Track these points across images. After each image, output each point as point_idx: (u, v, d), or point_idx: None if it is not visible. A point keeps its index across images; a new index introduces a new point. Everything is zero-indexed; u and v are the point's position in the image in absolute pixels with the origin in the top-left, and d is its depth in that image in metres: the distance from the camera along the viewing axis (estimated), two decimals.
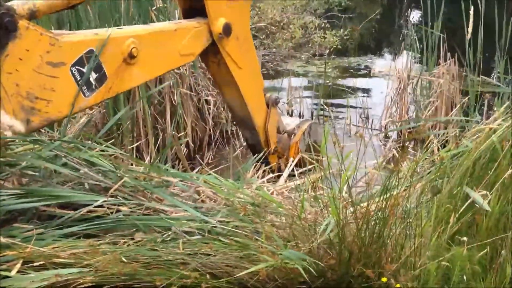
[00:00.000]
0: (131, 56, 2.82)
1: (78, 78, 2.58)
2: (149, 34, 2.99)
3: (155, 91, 4.91)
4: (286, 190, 3.09)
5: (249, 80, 3.78)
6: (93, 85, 2.66)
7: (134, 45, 2.83)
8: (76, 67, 2.56)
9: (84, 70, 2.59)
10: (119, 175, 2.76)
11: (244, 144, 5.02)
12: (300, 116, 6.32)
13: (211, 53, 3.52)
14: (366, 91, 7.18)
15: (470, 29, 4.55)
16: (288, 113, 6.46)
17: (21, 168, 2.84)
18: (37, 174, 2.82)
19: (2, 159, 2.91)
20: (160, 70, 3.23)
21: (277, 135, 4.19)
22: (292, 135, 4.33)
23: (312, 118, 6.15)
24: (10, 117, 2.30)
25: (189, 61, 3.71)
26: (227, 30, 3.40)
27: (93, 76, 2.65)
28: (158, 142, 5.00)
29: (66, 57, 2.52)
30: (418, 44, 6.08)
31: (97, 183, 2.73)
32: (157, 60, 3.04)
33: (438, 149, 3.27)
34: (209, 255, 2.14)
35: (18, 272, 2.13)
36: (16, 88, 2.30)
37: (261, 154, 3.92)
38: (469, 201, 2.18)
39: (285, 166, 4.16)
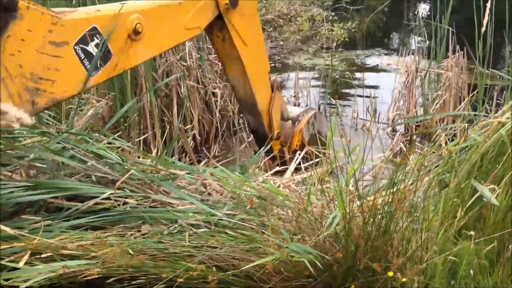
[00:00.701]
0: (136, 32, 2.76)
1: (82, 56, 2.53)
2: (154, 8, 2.93)
3: (162, 84, 4.91)
4: (292, 183, 3.09)
5: (254, 58, 3.70)
6: (98, 63, 2.61)
7: (139, 20, 2.77)
8: (80, 45, 2.50)
9: (88, 48, 2.54)
10: (126, 167, 2.77)
11: (251, 138, 4.99)
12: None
13: (217, 28, 3.47)
14: (373, 84, 7.14)
15: (485, 22, 4.49)
16: (294, 106, 6.44)
17: (29, 160, 2.86)
18: (44, 166, 2.83)
19: (10, 152, 2.93)
20: (166, 45, 3.17)
21: (280, 122, 4.13)
22: (296, 122, 4.25)
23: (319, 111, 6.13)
24: (16, 107, 2.28)
25: (195, 35, 3.63)
26: (234, 0, 3.35)
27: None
28: (165, 134, 5.01)
29: (69, 36, 2.47)
30: (426, 37, 6.03)
31: (104, 175, 2.74)
32: (163, 35, 2.97)
33: (446, 143, 3.25)
34: (215, 248, 2.14)
35: (25, 263, 2.15)
36: (19, 70, 2.26)
37: (266, 144, 3.88)
38: (476, 195, 2.17)
39: (288, 154, 4.15)
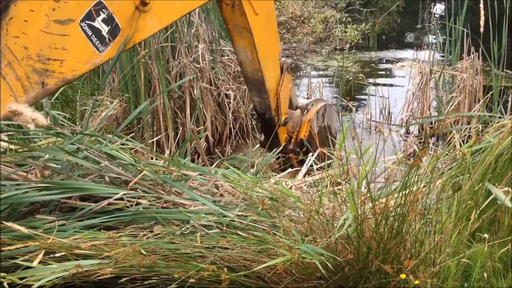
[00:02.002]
0: (143, 3, 2.65)
1: (90, 33, 2.44)
2: None
3: (175, 86, 4.93)
4: (304, 185, 3.08)
5: (264, 30, 3.52)
6: (106, 39, 2.53)
7: None
8: (86, 22, 2.42)
9: (95, 24, 2.45)
10: (139, 168, 2.78)
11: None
12: None
13: None
14: (387, 88, 7.10)
15: (482, 22, 4.45)
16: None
17: (43, 160, 2.89)
18: (59, 167, 2.87)
19: (26, 152, 2.97)
20: (175, 15, 3.02)
21: (289, 110, 3.96)
22: (305, 111, 4.07)
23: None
24: (25, 89, 2.23)
25: (205, 3, 3.45)
26: None
27: (105, 30, 2.51)
28: (178, 136, 5.04)
29: (74, 13, 2.38)
30: (441, 38, 5.98)
31: (118, 176, 2.77)
32: (171, 4, 2.85)
33: (460, 145, 3.22)
34: (227, 248, 2.15)
35: (39, 262, 2.18)
36: (25, 52, 2.20)
37: (271, 129, 3.72)
38: (490, 198, 2.14)
39: (295, 144, 4.02)
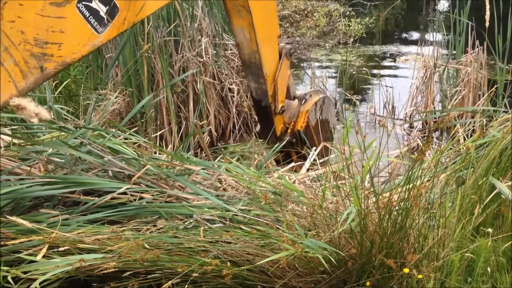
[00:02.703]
0: None
1: (87, 14, 2.38)
2: None
3: (178, 80, 4.92)
4: (307, 179, 3.08)
5: (263, 11, 3.43)
6: (105, 19, 2.47)
7: None
8: (83, 3, 2.36)
9: (92, 4, 2.39)
10: (142, 163, 2.79)
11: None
12: None
13: None
14: (390, 79, 7.07)
15: (487, 17, 4.42)
16: None
17: (47, 155, 2.90)
18: (62, 161, 2.87)
19: (29, 146, 2.98)
20: None
21: (286, 100, 3.85)
22: (303, 101, 3.96)
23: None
24: (24, 75, 2.17)
25: None
26: None
27: (102, 10, 2.45)
28: (181, 130, 5.03)
29: None
30: (445, 32, 5.95)
31: (121, 170, 2.77)
32: None
33: (464, 139, 3.20)
34: (230, 243, 2.15)
35: (43, 256, 2.18)
36: (22, 36, 2.15)
37: (269, 119, 3.60)
38: (494, 192, 2.13)
39: (290, 135, 3.90)
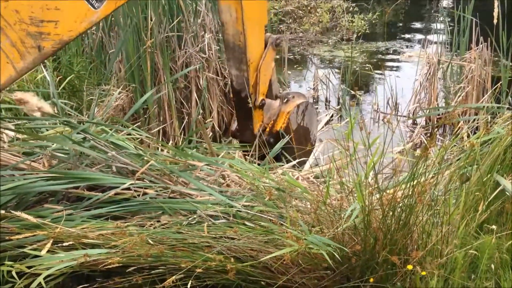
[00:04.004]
0: None
1: None
2: None
3: (179, 75, 4.90)
4: (311, 176, 3.08)
5: None
6: None
7: None
8: None
9: None
10: (146, 158, 2.79)
11: None
12: (326, 102, 6.27)
13: None
14: (394, 76, 7.06)
15: (496, 14, 4.40)
16: (313, 99, 6.41)
17: (51, 150, 2.90)
18: (66, 156, 2.88)
19: (33, 141, 2.98)
20: None
21: (267, 100, 3.64)
22: (285, 100, 3.74)
23: (338, 104, 6.09)
24: (21, 55, 2.12)
25: None
26: None
27: None
28: (183, 125, 5.03)
29: None
30: (449, 28, 5.93)
31: (124, 166, 2.77)
32: None
33: (468, 136, 3.19)
34: (233, 239, 2.15)
35: (48, 251, 2.19)
36: (17, 16, 2.10)
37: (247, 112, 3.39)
38: (499, 189, 2.13)
39: (268, 136, 3.66)
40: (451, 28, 5.83)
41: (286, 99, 3.74)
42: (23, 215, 2.22)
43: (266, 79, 3.60)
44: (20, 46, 2.12)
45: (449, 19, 6.82)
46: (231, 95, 3.76)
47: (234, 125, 3.87)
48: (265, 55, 3.50)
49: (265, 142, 3.57)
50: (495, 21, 4.30)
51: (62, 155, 2.90)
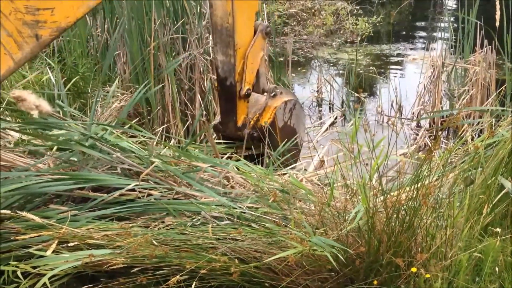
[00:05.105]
0: None
1: None
2: None
3: (174, 65, 4.85)
4: (315, 178, 3.08)
5: None
6: None
7: None
8: None
9: None
10: (150, 159, 2.80)
11: None
12: (330, 105, 6.27)
13: None
14: (398, 78, 7.06)
15: (498, 16, 4.39)
16: (317, 102, 6.42)
17: (56, 151, 2.92)
18: (71, 158, 2.89)
19: (39, 142, 2.99)
20: None
21: (255, 95, 3.49)
22: (273, 94, 3.58)
23: (342, 107, 6.08)
24: (18, 45, 2.08)
25: None
26: None
27: None
28: (186, 126, 5.04)
29: None
30: (453, 31, 5.92)
31: (129, 167, 2.78)
32: None
33: (472, 139, 3.19)
34: (237, 240, 2.16)
35: (53, 252, 2.20)
36: (11, 5, 2.06)
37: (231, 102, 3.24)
38: (503, 192, 2.13)
39: (252, 130, 3.50)
40: (455, 32, 5.83)
41: (273, 93, 3.59)
42: (29, 215, 2.23)
43: (254, 68, 3.45)
44: (17, 37, 2.08)
45: (453, 19, 6.81)
46: (216, 84, 3.59)
47: (217, 119, 3.69)
48: (254, 42, 3.36)
49: (248, 136, 3.42)
50: (497, 23, 4.30)
51: (67, 156, 2.91)
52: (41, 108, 2.25)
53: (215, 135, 4.44)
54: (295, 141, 3.65)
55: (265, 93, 3.58)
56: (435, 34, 7.01)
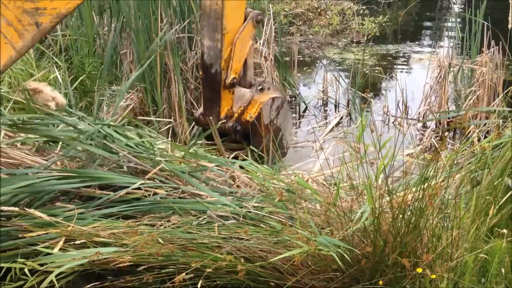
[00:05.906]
0: None
1: None
2: None
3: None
4: (321, 178, 3.08)
5: None
6: None
7: None
8: None
9: None
10: (157, 158, 2.81)
11: None
12: (336, 104, 6.26)
13: None
14: (404, 79, 7.03)
15: (510, 18, 4.37)
16: (323, 101, 6.41)
17: (63, 149, 2.93)
18: (79, 156, 2.90)
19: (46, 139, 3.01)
20: None
21: (241, 89, 3.38)
22: (259, 87, 3.48)
23: (348, 106, 6.07)
24: (19, 33, 2.05)
25: None
26: None
27: None
28: (191, 126, 5.05)
29: None
30: (460, 32, 5.90)
31: (136, 166, 2.79)
32: None
33: (479, 140, 3.18)
34: (243, 239, 2.16)
35: (60, 249, 2.21)
36: None
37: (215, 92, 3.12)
38: (510, 193, 2.12)
39: (235, 123, 3.39)
40: (461, 32, 5.81)
41: (261, 87, 3.47)
42: (36, 213, 2.25)
43: (242, 56, 3.35)
44: (17, 25, 2.06)
45: (459, 20, 6.79)
46: (200, 72, 3.42)
47: (199, 111, 3.57)
48: (243, 28, 3.28)
49: (231, 130, 3.29)
50: (509, 25, 4.27)
51: (75, 155, 2.93)
52: (57, 100, 2.26)
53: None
54: (280, 142, 3.54)
55: (252, 87, 3.47)
56: (441, 35, 6.98)
